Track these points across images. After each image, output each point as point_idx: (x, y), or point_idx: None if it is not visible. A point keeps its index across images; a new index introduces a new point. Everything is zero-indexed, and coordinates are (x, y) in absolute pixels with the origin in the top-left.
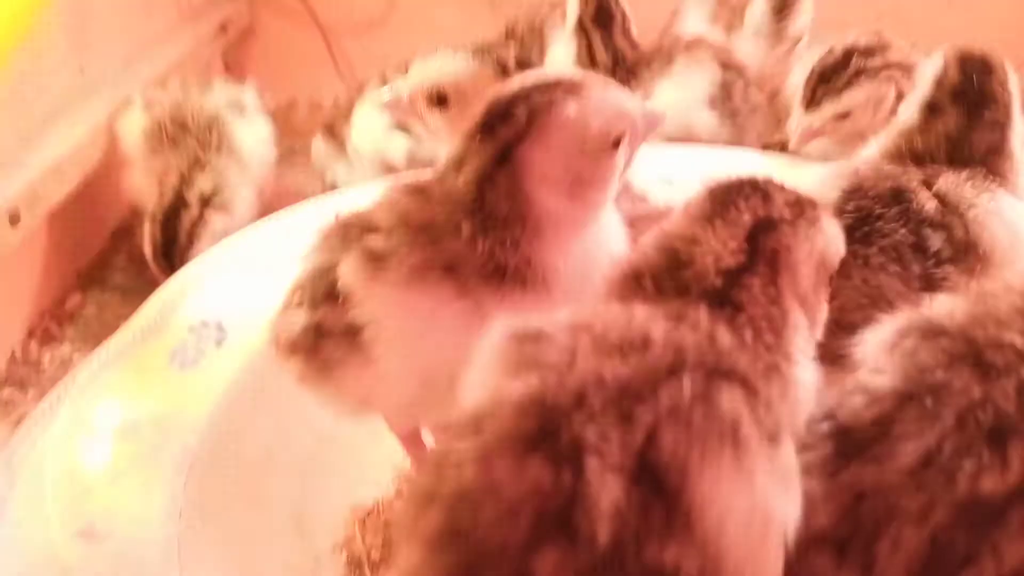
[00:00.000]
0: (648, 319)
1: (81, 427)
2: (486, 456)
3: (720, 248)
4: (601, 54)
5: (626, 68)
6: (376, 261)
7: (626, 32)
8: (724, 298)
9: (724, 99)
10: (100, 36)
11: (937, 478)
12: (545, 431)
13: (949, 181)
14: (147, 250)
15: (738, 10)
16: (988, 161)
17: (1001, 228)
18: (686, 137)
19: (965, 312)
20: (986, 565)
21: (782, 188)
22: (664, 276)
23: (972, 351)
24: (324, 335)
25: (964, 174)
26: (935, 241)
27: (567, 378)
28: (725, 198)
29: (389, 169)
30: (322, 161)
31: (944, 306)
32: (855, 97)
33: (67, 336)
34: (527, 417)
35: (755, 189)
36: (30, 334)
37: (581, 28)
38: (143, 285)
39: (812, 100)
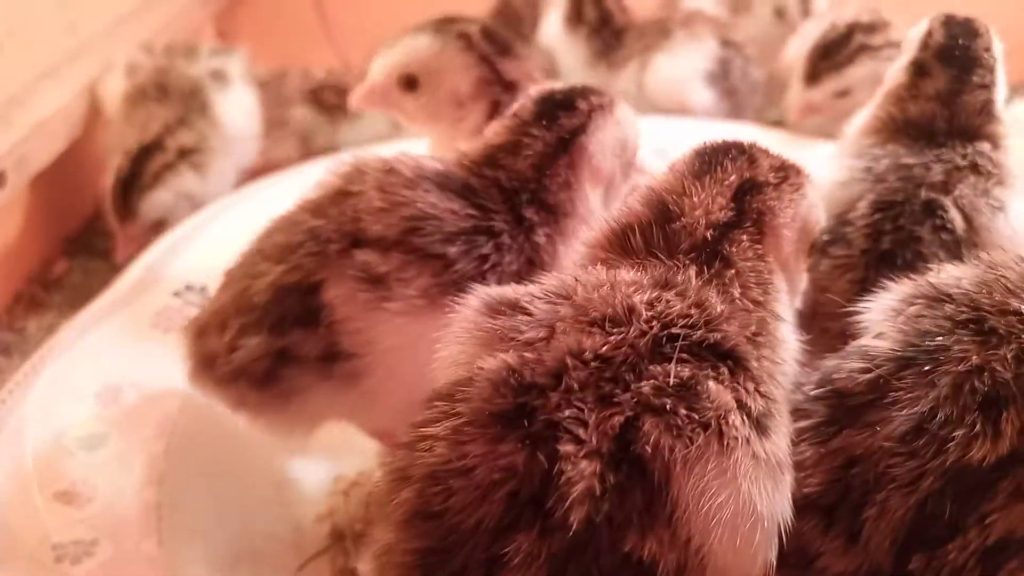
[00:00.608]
0: (633, 285)
1: (62, 390)
2: (459, 436)
3: (709, 203)
4: (589, 13)
5: (612, 30)
6: (375, 285)
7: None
8: (715, 252)
9: (722, 77)
10: None
11: (928, 446)
12: (520, 411)
13: (965, 187)
14: (108, 182)
15: None
16: (981, 124)
17: (1008, 244)
18: (682, 112)
19: (973, 279)
20: (971, 535)
21: (767, 152)
22: (653, 230)
23: (975, 317)
24: (290, 362)
25: (972, 162)
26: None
27: (544, 354)
28: (712, 158)
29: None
30: (308, 127)
31: (952, 273)
32: (856, 74)
33: (53, 303)
34: (502, 396)
35: (741, 151)
36: (16, 299)
37: None
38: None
39: (813, 75)
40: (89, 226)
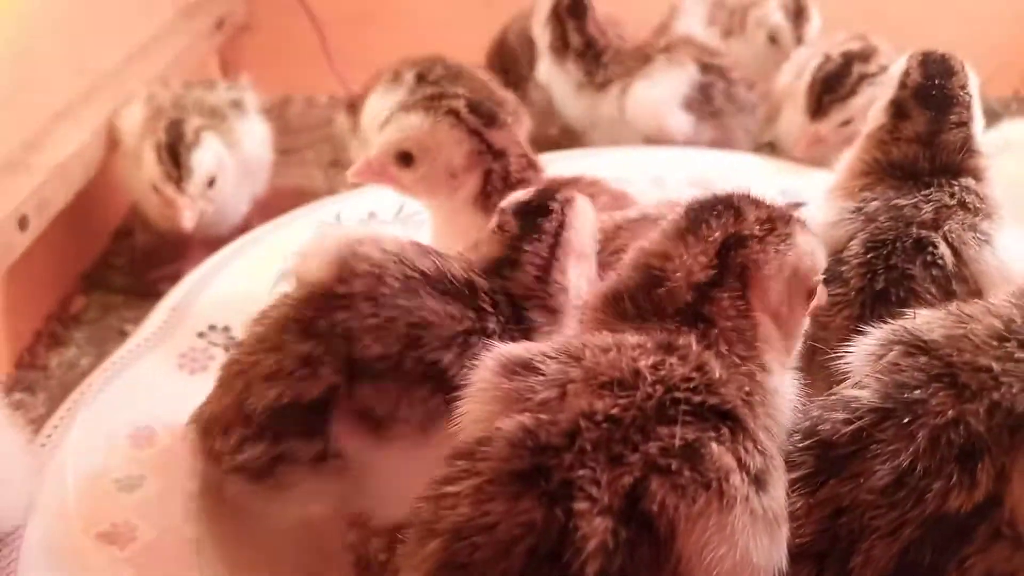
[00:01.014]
0: (637, 350)
1: (97, 434)
2: (480, 494)
3: (692, 264)
4: (575, 39)
5: (596, 54)
6: (376, 425)
7: (597, 22)
8: (696, 313)
9: (704, 101)
10: (98, 36)
11: (909, 497)
12: (537, 471)
13: (954, 223)
14: (150, 156)
15: (737, 14)
16: (962, 160)
17: (996, 275)
18: (659, 137)
19: (945, 332)
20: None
21: (757, 204)
22: (640, 295)
23: (949, 372)
24: (286, 462)
25: (960, 200)
26: (960, 294)
27: (558, 416)
28: (698, 215)
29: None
30: (344, 135)
31: (927, 319)
32: (858, 103)
33: (73, 339)
34: (519, 456)
35: (728, 206)
36: (37, 338)
37: (555, 16)
38: (145, 287)
39: (819, 109)
40: (103, 262)
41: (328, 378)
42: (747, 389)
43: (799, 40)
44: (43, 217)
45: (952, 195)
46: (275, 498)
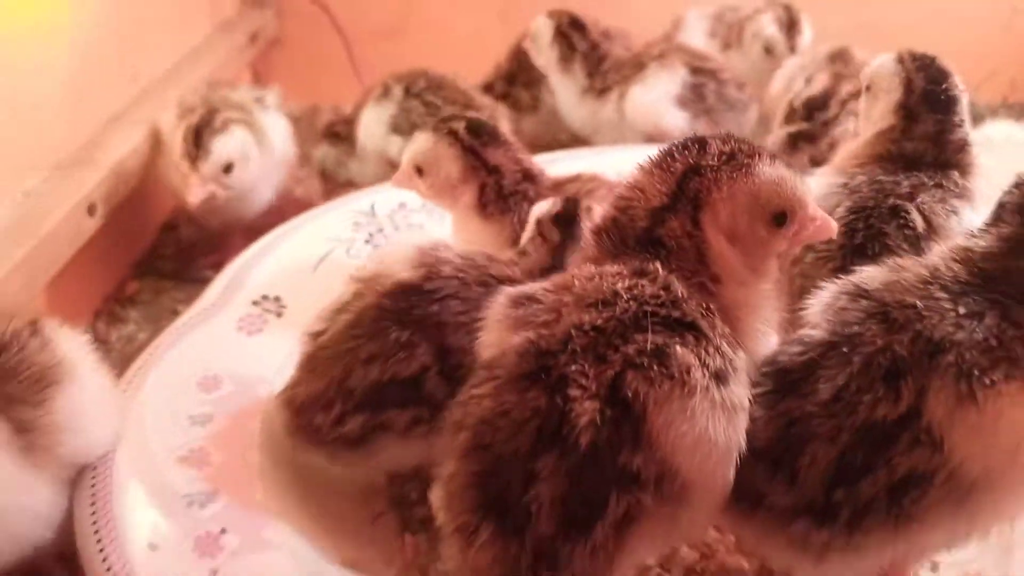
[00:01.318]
0: (615, 276)
1: (171, 381)
2: (498, 392)
3: (652, 193)
4: (580, 44)
5: (599, 57)
6: None
7: (597, 32)
8: (651, 236)
9: (695, 99)
10: (148, 48)
11: (844, 409)
12: (540, 370)
13: (927, 196)
14: (178, 137)
15: (735, 27)
16: (959, 157)
17: None
18: (659, 135)
19: (883, 280)
20: (881, 474)
21: (725, 141)
22: (613, 227)
23: (882, 310)
24: (382, 431)
25: (937, 182)
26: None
27: (555, 329)
28: (667, 152)
29: (390, 164)
30: (330, 164)
31: (871, 274)
32: (845, 128)
33: (130, 317)
34: (526, 361)
35: (696, 143)
36: (96, 315)
37: (560, 34)
38: (190, 273)
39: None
40: (153, 252)
41: (422, 359)
42: (705, 304)
43: (792, 50)
44: (108, 205)
45: (931, 177)
46: (365, 463)
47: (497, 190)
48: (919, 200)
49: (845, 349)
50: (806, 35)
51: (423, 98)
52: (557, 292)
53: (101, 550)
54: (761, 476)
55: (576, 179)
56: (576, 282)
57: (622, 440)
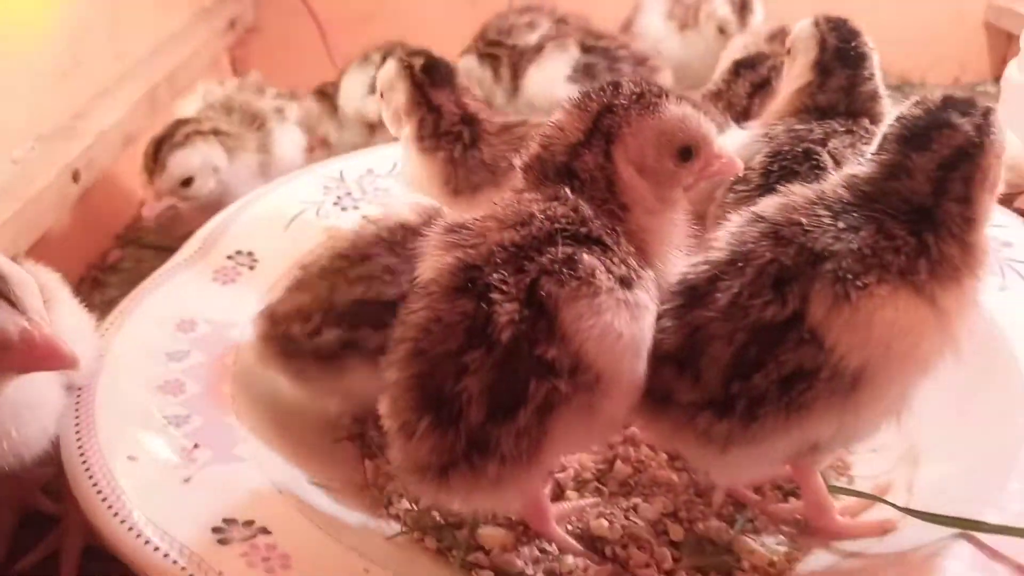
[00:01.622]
0: (532, 201)
1: (151, 322)
2: (432, 304)
3: (571, 130)
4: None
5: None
6: None
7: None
8: (568, 169)
9: (587, 76)
10: (131, 30)
11: (739, 312)
12: (468, 281)
13: (838, 141)
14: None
15: (691, 9)
16: (869, 106)
17: None
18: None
19: (778, 204)
20: (771, 369)
21: (637, 84)
22: (536, 162)
23: (774, 229)
24: (354, 349)
25: (848, 129)
26: None
27: (481, 248)
28: (585, 93)
29: (369, 126)
30: (313, 119)
31: (769, 202)
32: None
33: (112, 283)
34: (456, 276)
35: (612, 86)
36: (81, 280)
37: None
38: (170, 243)
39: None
40: (135, 224)
41: (404, 286)
42: (611, 226)
43: (743, 28)
44: (90, 173)
45: (843, 125)
46: (332, 384)
47: (433, 127)
48: (830, 145)
49: (740, 263)
50: (757, 15)
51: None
52: (484, 219)
53: (84, 462)
54: (670, 376)
55: (523, 124)
56: (499, 209)
57: (538, 334)
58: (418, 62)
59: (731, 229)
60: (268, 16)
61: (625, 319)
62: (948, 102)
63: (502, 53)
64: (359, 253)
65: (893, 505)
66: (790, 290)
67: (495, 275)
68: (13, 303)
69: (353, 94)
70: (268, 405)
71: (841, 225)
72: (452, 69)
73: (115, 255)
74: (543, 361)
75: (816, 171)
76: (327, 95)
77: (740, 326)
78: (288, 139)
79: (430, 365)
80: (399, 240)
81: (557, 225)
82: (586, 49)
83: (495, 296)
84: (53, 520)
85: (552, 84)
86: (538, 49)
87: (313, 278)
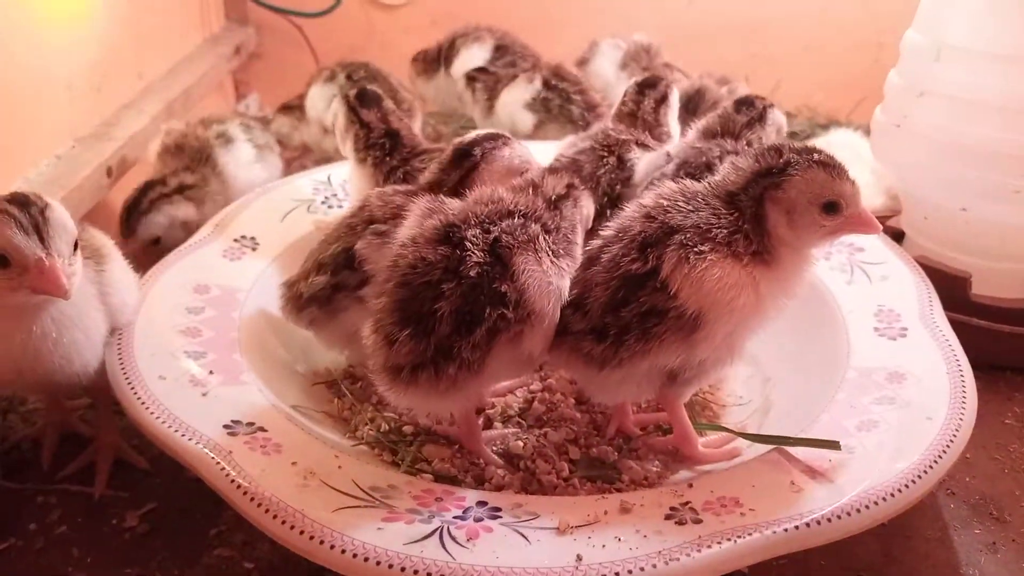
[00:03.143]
0: (504, 192)
1: (173, 286)
2: (417, 249)
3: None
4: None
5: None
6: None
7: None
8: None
9: (543, 109)
10: (151, 53)
11: (614, 266)
12: (448, 234)
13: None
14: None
15: (642, 66)
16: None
17: None
18: (514, 130)
19: (654, 194)
20: (634, 307)
21: (496, 137)
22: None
23: (646, 211)
24: (341, 290)
25: (741, 145)
26: None
27: (459, 215)
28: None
29: (325, 130)
30: (284, 131)
31: (649, 194)
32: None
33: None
34: (439, 230)
35: (490, 137)
36: None
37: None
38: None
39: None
40: None
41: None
42: (553, 220)
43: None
44: (121, 170)
45: (732, 145)
46: (333, 325)
47: (365, 140)
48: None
49: (620, 235)
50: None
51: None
52: (463, 204)
53: (127, 379)
54: (568, 315)
55: (439, 151)
56: (475, 195)
57: (496, 274)
58: (352, 93)
59: (622, 215)
60: (269, 44)
61: (554, 275)
62: (784, 150)
63: (481, 78)
64: (336, 231)
65: (728, 430)
66: (651, 252)
67: (468, 232)
68: (42, 239)
69: (318, 105)
70: (264, 352)
71: (690, 208)
72: (379, 95)
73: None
74: (497, 294)
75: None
76: (292, 107)
77: (614, 276)
78: (235, 159)
79: (413, 292)
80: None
81: (519, 208)
82: (548, 86)
83: (467, 245)
84: (86, 440)
85: (513, 110)
86: (512, 77)
87: (312, 253)
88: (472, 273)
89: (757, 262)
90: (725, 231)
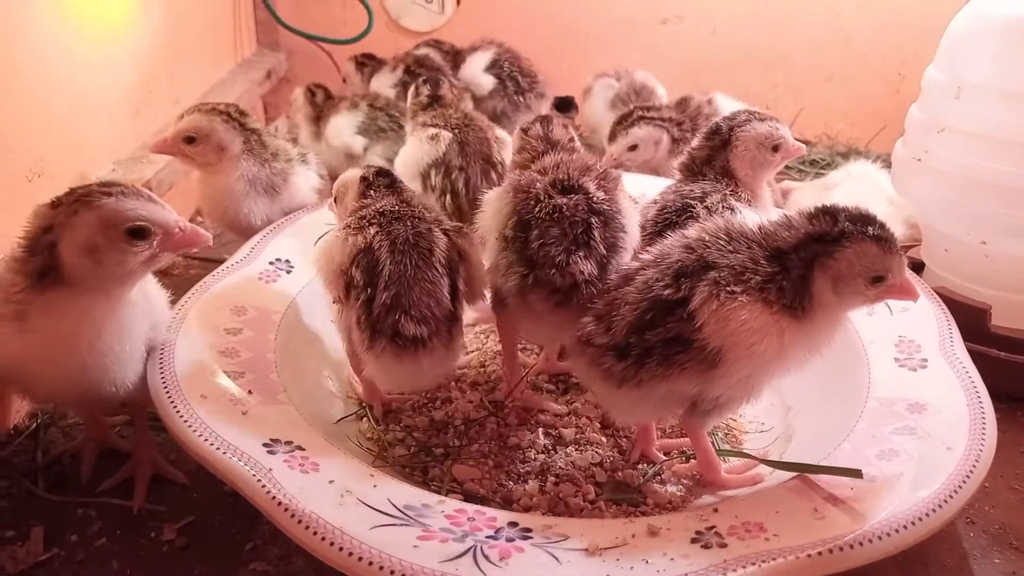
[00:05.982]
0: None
1: (211, 309)
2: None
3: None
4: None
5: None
6: None
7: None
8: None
9: (371, 130)
10: (185, 79)
11: (647, 289)
12: (523, 189)
13: (713, 199)
14: None
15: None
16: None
17: None
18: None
19: (697, 228)
20: (659, 331)
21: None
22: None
23: (687, 242)
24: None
25: (722, 187)
26: None
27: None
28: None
29: (351, 157)
30: (306, 141)
31: (694, 226)
32: (637, 133)
33: (166, 284)
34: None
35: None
36: None
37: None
38: (215, 255)
39: (611, 136)
40: None
41: None
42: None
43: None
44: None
45: (715, 187)
46: None
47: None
48: (708, 202)
49: (658, 260)
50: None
51: (385, 111)
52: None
53: (170, 398)
54: (591, 327)
55: None
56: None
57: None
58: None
59: (663, 243)
60: (299, 69)
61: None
62: (839, 216)
63: None
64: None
65: (751, 456)
66: (685, 282)
67: (540, 186)
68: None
69: (340, 130)
70: (299, 371)
71: (730, 249)
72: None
73: (170, 260)
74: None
75: (691, 220)
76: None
77: (646, 297)
78: (304, 179)
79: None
80: None
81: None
82: (372, 108)
83: (539, 194)
84: (124, 455)
85: (342, 131)
86: (347, 102)
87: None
88: (543, 214)
89: (786, 313)
90: (760, 278)
